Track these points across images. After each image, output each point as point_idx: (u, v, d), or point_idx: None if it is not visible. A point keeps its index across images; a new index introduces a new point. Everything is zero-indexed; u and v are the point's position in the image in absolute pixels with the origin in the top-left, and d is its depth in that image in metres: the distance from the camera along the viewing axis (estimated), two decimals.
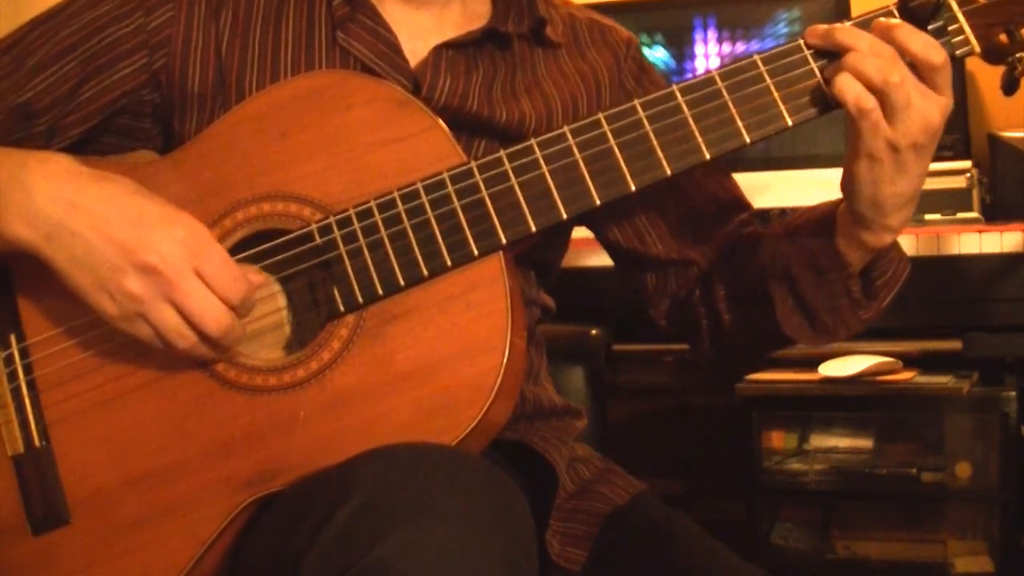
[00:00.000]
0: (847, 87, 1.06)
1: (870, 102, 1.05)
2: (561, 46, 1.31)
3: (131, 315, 1.06)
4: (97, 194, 1.07)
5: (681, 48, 2.46)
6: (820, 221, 1.18)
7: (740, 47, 2.44)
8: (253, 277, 1.10)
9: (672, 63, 2.47)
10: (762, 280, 1.22)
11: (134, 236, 1.05)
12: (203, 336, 1.06)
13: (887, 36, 1.07)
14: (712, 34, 2.45)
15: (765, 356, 1.35)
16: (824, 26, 1.10)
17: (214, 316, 1.05)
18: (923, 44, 1.05)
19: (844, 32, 1.08)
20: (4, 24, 1.25)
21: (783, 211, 2.35)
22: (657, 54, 2.47)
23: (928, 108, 1.06)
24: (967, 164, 2.27)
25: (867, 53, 1.06)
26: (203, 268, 1.05)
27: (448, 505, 0.90)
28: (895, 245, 1.18)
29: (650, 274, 1.36)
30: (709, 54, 2.45)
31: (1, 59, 1.20)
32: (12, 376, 1.14)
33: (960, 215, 2.20)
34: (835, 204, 1.18)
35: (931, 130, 1.07)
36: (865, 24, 1.09)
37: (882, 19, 1.09)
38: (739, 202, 1.36)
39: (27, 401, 1.13)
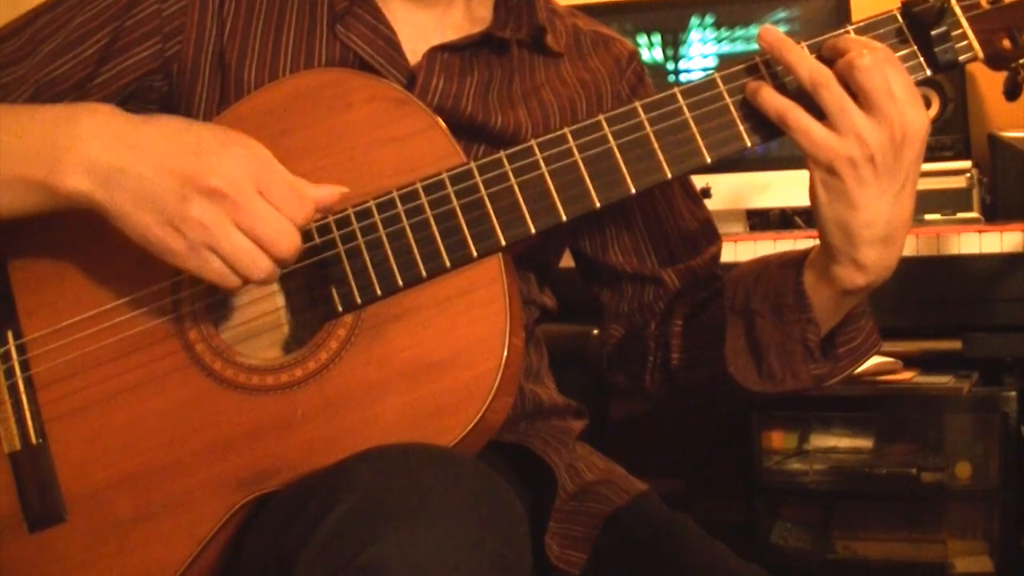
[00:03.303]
0: (769, 99, 1.06)
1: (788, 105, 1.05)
2: (562, 55, 1.30)
3: (200, 246, 1.01)
4: (151, 132, 1.04)
5: (678, 48, 2.46)
6: (792, 258, 1.15)
7: (738, 47, 2.43)
8: (322, 193, 1.05)
9: (670, 63, 2.47)
10: (721, 316, 1.18)
11: (195, 163, 1.01)
12: (276, 260, 1.02)
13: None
14: (710, 33, 2.44)
15: (712, 403, 1.30)
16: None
17: (288, 238, 1.01)
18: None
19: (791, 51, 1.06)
20: (4, 21, 1.24)
21: (783, 211, 2.35)
22: (655, 53, 2.47)
23: (859, 121, 1.02)
24: (967, 164, 2.27)
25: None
26: (267, 189, 1.01)
27: (440, 506, 0.89)
28: (869, 316, 1.15)
29: (606, 290, 1.36)
30: (707, 54, 2.45)
31: (9, 44, 1.19)
32: (9, 373, 1.14)
33: (960, 215, 2.20)
34: (811, 247, 1.14)
35: (885, 146, 1.03)
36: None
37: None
38: (710, 231, 1.35)
39: (24, 398, 1.13)
